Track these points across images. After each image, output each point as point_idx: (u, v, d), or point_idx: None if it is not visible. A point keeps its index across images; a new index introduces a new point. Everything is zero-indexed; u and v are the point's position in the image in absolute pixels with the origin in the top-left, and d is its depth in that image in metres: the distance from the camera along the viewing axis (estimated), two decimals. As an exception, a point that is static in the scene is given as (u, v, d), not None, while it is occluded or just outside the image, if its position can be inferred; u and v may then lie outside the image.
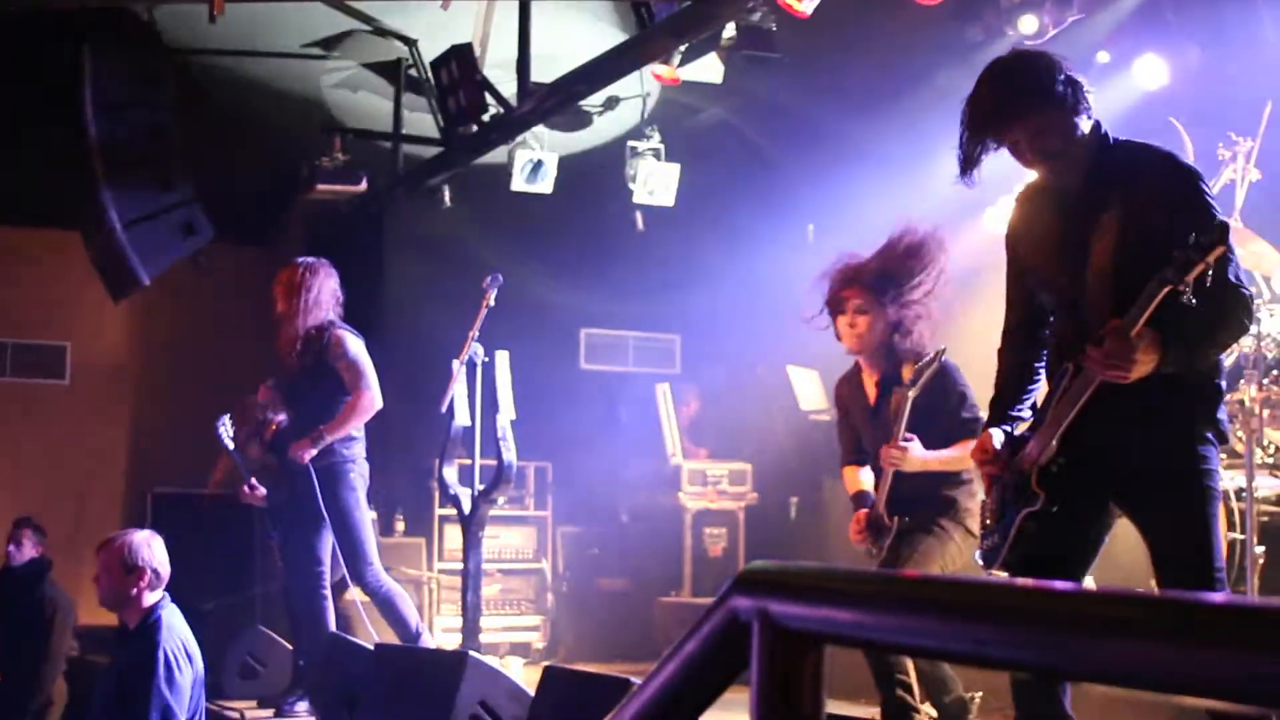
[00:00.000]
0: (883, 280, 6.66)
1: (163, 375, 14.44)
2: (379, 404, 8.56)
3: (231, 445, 9.46)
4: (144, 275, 11.26)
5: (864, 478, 6.78)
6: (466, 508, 8.01)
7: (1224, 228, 4.18)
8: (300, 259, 8.97)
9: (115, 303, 12.00)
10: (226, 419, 9.55)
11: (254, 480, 9.28)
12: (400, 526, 12.40)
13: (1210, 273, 4.18)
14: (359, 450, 8.71)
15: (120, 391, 14.52)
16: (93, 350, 14.43)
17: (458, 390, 8.19)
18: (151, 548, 6.79)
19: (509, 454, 7.98)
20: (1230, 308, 4.41)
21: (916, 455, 6.33)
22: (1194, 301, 4.19)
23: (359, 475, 8.70)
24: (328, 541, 8.67)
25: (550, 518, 13.28)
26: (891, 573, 1.52)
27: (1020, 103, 4.63)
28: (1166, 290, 4.21)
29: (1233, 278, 4.39)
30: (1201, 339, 4.43)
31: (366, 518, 8.74)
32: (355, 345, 8.66)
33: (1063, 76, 4.63)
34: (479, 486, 8.04)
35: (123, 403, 14.52)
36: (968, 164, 4.70)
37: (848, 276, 6.74)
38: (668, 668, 1.83)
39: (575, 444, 13.28)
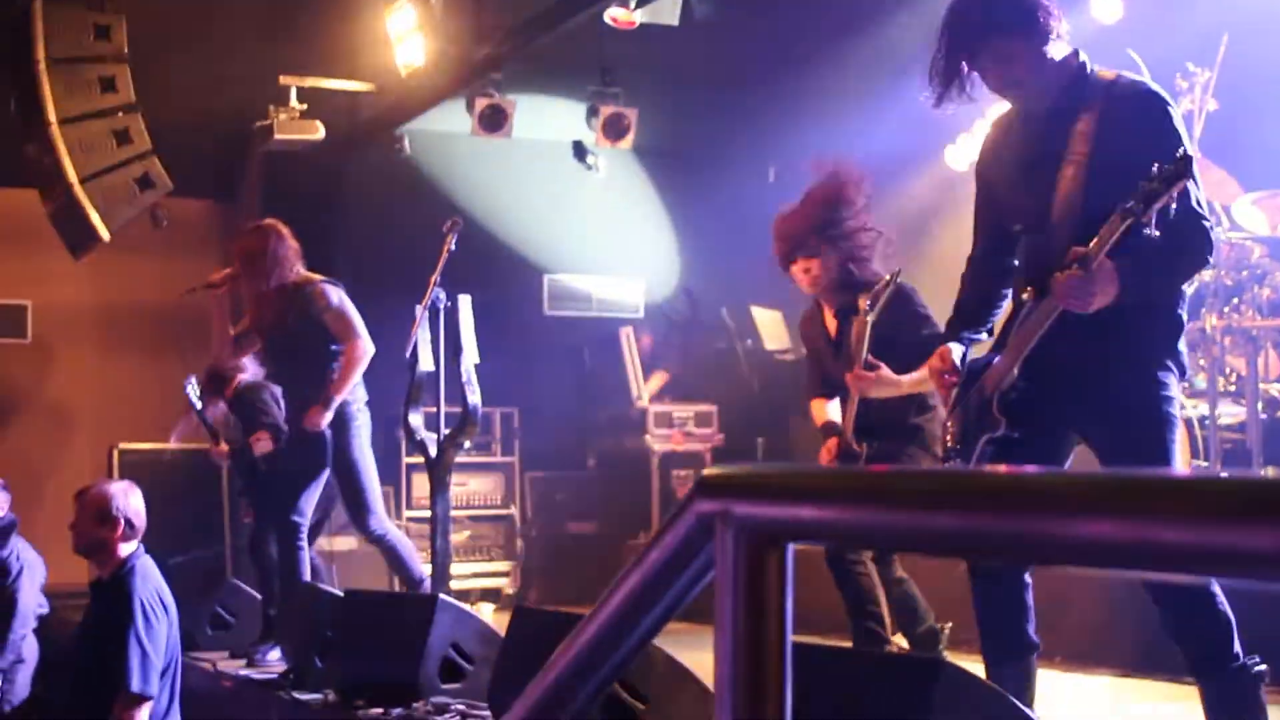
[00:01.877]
0: (816, 229, 6.69)
1: (126, 331, 14.39)
2: (371, 349, 8.56)
3: (199, 405, 9.46)
4: (103, 231, 11.19)
5: (830, 409, 6.80)
6: (433, 453, 7.98)
7: (1187, 159, 4.17)
8: (251, 224, 8.98)
9: (75, 259, 11.91)
10: (194, 379, 9.54)
11: (220, 438, 9.28)
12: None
13: (1173, 205, 4.18)
14: (361, 396, 8.75)
15: (83, 349, 14.46)
16: (54, 308, 14.34)
17: (421, 336, 8.13)
18: (128, 498, 6.77)
19: (474, 397, 7.93)
20: (1191, 239, 4.41)
21: (885, 378, 6.35)
22: (1157, 234, 4.19)
23: (363, 424, 8.76)
24: (314, 494, 8.70)
25: (517, 463, 13.31)
26: (852, 467, 1.52)
27: (987, 28, 4.64)
28: (1129, 223, 4.21)
29: (1195, 208, 4.40)
30: (1162, 270, 4.43)
31: (372, 465, 8.80)
32: (338, 295, 8.67)
33: (1037, 6, 4.63)
34: (445, 431, 8.02)
35: (86, 360, 14.46)
36: (943, 83, 4.70)
37: (784, 234, 6.78)
38: (633, 576, 1.83)
39: (541, 390, 13.30)
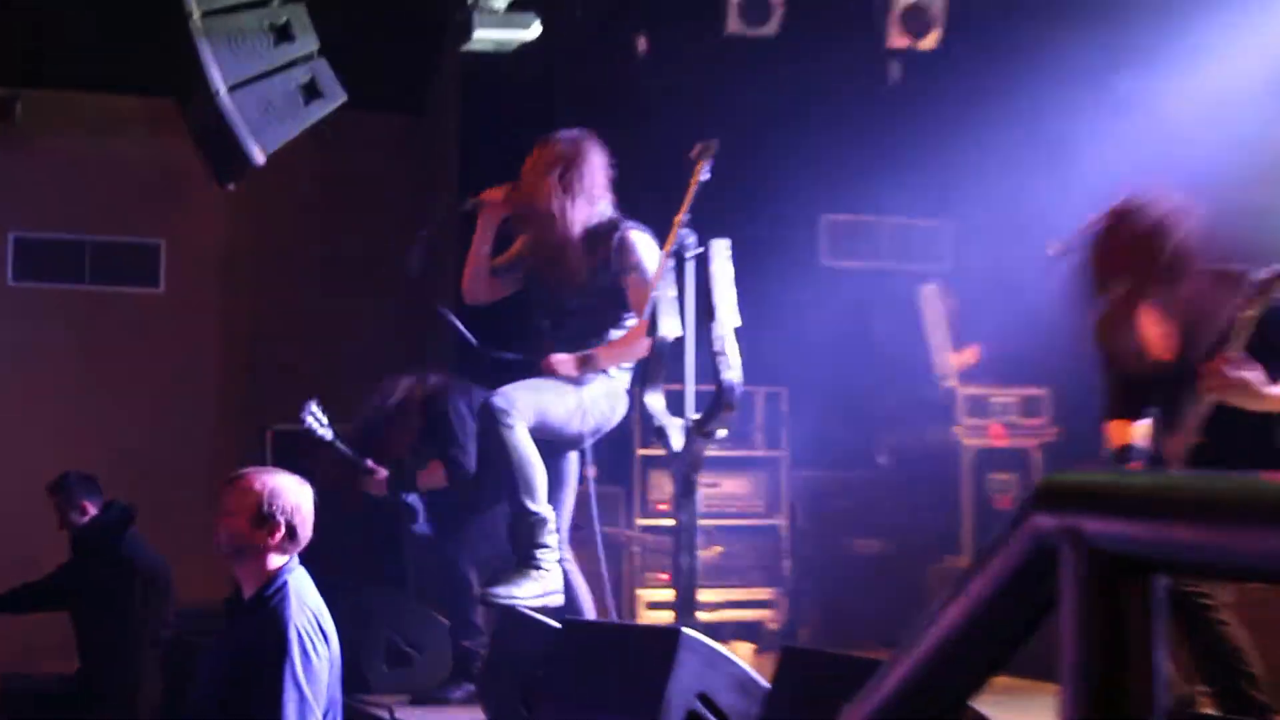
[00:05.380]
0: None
1: (283, 281, 14.55)
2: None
3: (329, 434, 9.49)
4: (256, 152, 11.34)
5: (1138, 431, 6.80)
6: (677, 444, 8.00)
7: None
8: (561, 132, 8.86)
9: (221, 188, 12.07)
10: (313, 406, 9.56)
11: (370, 461, 9.37)
12: (591, 472, 12.45)
13: None
14: (627, 382, 8.65)
15: (229, 302, 14.68)
16: (193, 250, 14.62)
17: (662, 292, 8.12)
18: (298, 498, 6.68)
19: (731, 373, 7.93)
20: None
21: (1250, 380, 6.25)
22: None
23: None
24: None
25: (785, 459, 13.28)
26: (1248, 476, 1.50)
27: None
28: None
29: None
30: None
31: None
32: (650, 253, 8.52)
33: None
34: (692, 416, 8.04)
35: (232, 316, 14.69)
36: None
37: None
38: (950, 613, 1.83)
39: (817, 363, 13.19)
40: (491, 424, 8.05)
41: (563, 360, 8.38)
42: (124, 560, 10.88)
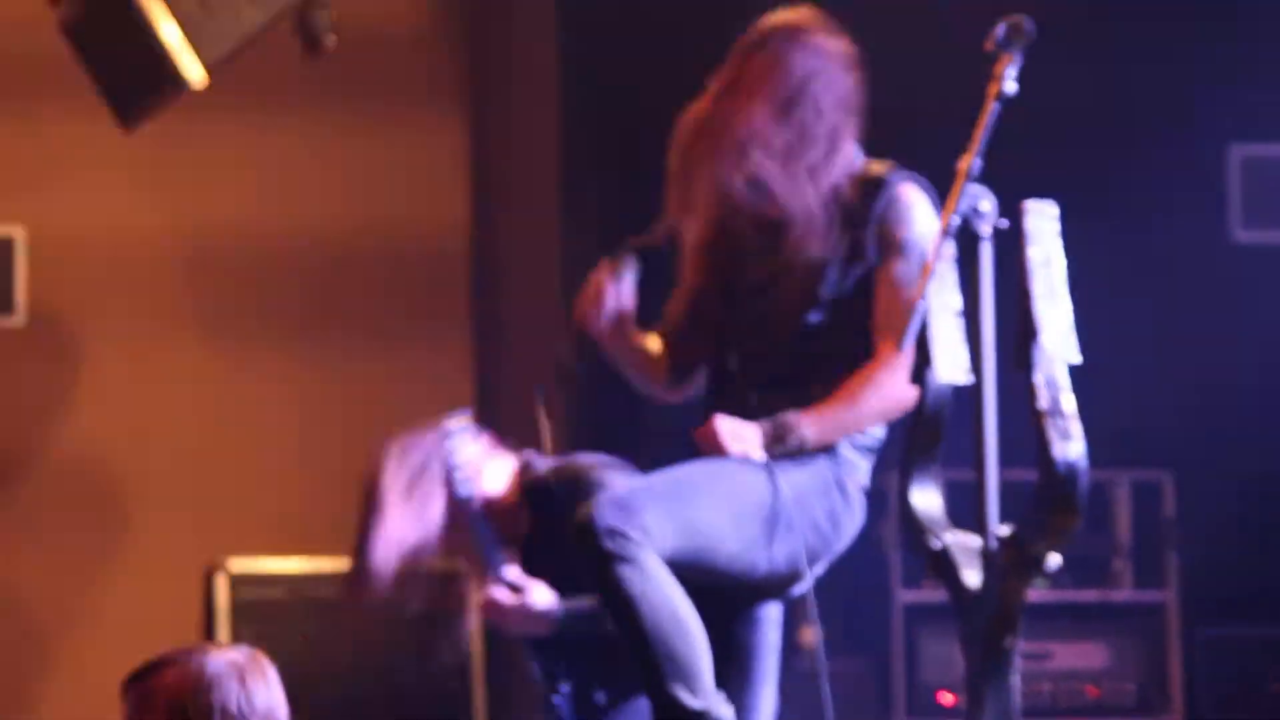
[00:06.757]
0: None
1: (230, 294, 14.41)
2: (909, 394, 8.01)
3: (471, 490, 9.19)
4: (190, 67, 11.17)
5: None
6: (971, 582, 7.61)
7: None
8: (785, 27, 8.52)
9: (126, 130, 11.96)
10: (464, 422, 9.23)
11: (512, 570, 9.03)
12: (811, 637, 12.22)
13: None
14: (865, 470, 8.44)
15: (137, 334, 14.60)
16: (75, 247, 14.59)
17: (935, 299, 7.68)
18: (247, 685, 6.42)
19: (1069, 445, 7.51)
20: None
21: None
22: None
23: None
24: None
25: (1175, 606, 13.20)
26: None
27: None
28: None
29: None
30: None
31: None
32: (929, 227, 8.15)
33: None
34: (1000, 529, 7.60)
35: (146, 363, 14.62)
36: None
37: None
38: None
39: (1229, 428, 13.15)
40: (598, 556, 7.68)
41: (735, 428, 8.05)
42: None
